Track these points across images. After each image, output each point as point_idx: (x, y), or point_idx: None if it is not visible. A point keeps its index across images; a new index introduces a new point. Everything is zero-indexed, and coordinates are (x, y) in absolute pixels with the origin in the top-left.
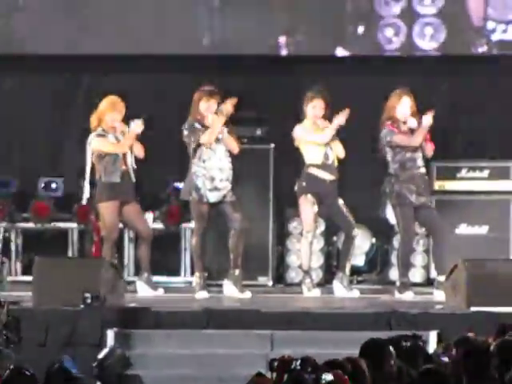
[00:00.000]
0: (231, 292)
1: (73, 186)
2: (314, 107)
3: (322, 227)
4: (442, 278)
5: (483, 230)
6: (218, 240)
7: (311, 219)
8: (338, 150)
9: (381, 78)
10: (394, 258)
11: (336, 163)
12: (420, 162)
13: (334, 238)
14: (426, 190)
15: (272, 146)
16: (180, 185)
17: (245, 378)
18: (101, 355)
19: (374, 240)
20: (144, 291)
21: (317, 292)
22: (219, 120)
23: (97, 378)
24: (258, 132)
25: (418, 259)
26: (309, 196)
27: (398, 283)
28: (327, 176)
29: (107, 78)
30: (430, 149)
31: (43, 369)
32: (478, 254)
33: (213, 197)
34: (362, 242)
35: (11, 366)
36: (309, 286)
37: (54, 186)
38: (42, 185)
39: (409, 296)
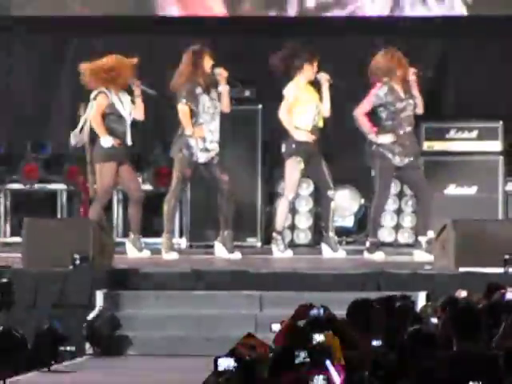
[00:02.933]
0: (221, 253)
1: (61, 147)
2: (313, 65)
3: (310, 188)
4: (422, 239)
5: (472, 190)
6: (206, 201)
7: (296, 182)
8: (324, 108)
9: (366, 38)
10: (382, 219)
11: (321, 124)
12: (409, 124)
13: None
14: (412, 150)
15: (260, 106)
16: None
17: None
18: (90, 316)
19: (362, 201)
20: (131, 253)
21: (289, 253)
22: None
23: (86, 338)
24: (246, 93)
25: (407, 220)
26: (298, 158)
27: (367, 244)
28: (312, 137)
29: (95, 40)
30: (422, 105)
31: (33, 329)
32: (466, 215)
33: (202, 157)
34: (351, 203)
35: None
36: (281, 248)
37: (42, 147)
38: (30, 146)
39: (380, 256)
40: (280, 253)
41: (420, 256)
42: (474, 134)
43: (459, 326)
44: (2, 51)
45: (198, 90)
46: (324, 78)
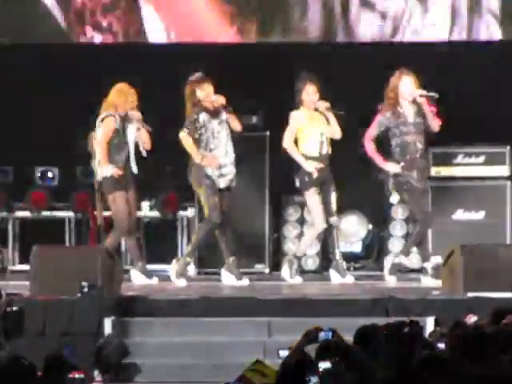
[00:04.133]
0: (229, 280)
1: (69, 175)
2: (308, 94)
3: None
4: (428, 265)
5: (480, 215)
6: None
7: (321, 210)
8: (334, 132)
9: (376, 64)
10: (390, 245)
11: (329, 150)
12: (420, 146)
13: None
14: (424, 174)
15: (268, 133)
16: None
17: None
18: (99, 344)
19: (370, 227)
20: (138, 280)
21: (298, 279)
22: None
23: (95, 366)
24: (254, 120)
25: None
26: (314, 188)
27: (394, 262)
28: (320, 165)
29: (105, 66)
30: (436, 124)
31: (42, 358)
32: (474, 240)
33: (222, 183)
34: (359, 229)
35: (8, 356)
36: (293, 272)
37: (50, 174)
38: (39, 174)
39: (392, 280)
40: (289, 278)
41: (427, 282)
42: (482, 159)
43: (468, 349)
44: (9, 78)
45: (204, 117)
46: (322, 107)
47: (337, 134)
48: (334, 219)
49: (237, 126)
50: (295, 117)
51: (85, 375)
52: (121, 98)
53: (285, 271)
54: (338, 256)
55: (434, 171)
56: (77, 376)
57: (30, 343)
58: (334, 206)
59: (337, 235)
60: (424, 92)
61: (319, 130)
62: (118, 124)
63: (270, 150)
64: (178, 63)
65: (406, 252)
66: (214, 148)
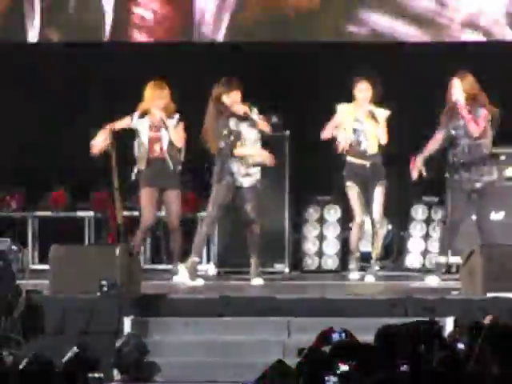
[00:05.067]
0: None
1: (89, 174)
2: (361, 91)
3: (338, 214)
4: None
5: (499, 216)
6: (234, 227)
7: (356, 204)
8: (379, 135)
9: (397, 64)
10: (410, 245)
11: (374, 149)
12: (483, 148)
13: (350, 225)
14: (484, 174)
15: (287, 133)
16: None
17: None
18: (118, 343)
19: (390, 227)
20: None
21: (356, 275)
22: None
23: (114, 365)
24: (274, 119)
25: (434, 246)
26: (349, 183)
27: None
28: (363, 161)
29: (124, 66)
30: (473, 128)
31: (61, 357)
32: (494, 240)
33: (246, 182)
34: None
35: (28, 355)
36: (352, 267)
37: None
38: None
39: (433, 280)
40: (352, 274)
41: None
42: (502, 159)
43: (488, 350)
44: (27, 79)
45: (234, 121)
46: (382, 116)
47: (382, 139)
48: (371, 220)
49: (265, 127)
50: (340, 111)
51: (104, 374)
52: (150, 97)
53: (352, 270)
54: (373, 256)
55: None
56: (96, 375)
57: (49, 342)
58: (376, 206)
59: (375, 235)
60: (461, 99)
61: (357, 127)
62: (135, 123)
63: (289, 149)
64: (196, 60)
65: (441, 251)
66: (244, 146)
